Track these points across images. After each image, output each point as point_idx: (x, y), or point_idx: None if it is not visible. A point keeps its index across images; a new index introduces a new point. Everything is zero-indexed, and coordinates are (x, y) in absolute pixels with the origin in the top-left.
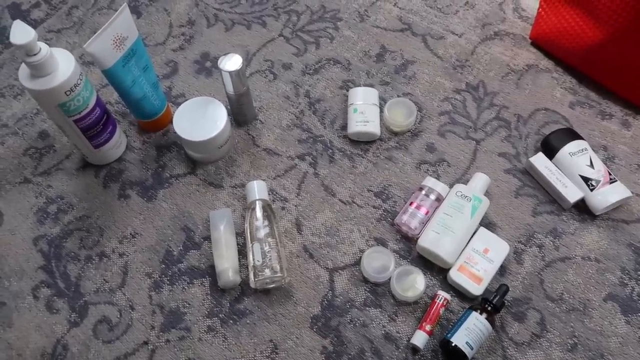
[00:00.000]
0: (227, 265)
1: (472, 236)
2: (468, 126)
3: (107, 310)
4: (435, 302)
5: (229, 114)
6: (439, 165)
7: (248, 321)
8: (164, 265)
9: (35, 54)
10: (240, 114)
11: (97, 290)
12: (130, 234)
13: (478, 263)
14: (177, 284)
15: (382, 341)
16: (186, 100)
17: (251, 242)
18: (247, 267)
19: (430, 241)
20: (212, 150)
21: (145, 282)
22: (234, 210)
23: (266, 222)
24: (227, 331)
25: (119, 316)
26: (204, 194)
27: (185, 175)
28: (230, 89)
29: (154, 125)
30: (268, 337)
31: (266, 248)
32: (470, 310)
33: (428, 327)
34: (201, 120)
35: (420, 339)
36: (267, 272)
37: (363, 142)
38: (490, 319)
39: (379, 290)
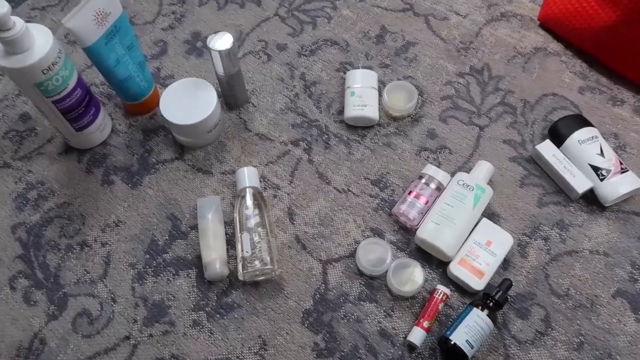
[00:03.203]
0: (214, 256)
1: (474, 228)
2: (471, 111)
3: (88, 303)
4: (434, 297)
5: (219, 97)
6: (440, 152)
7: (236, 315)
8: (148, 256)
9: (8, 29)
10: (231, 96)
11: (78, 282)
12: (114, 222)
13: (480, 256)
14: (161, 275)
15: (377, 338)
16: (175, 81)
17: (240, 232)
18: (236, 259)
19: (429, 233)
20: (201, 135)
21: (128, 273)
22: (223, 198)
23: (257, 211)
24: (213, 326)
25: (99, 309)
26: (191, 181)
27: (173, 160)
28: (220, 69)
29: (140, 108)
30: (257, 333)
31: (256, 238)
32: (471, 307)
33: (426, 324)
34: (190, 103)
35: (417, 336)
36: (257, 263)
37: (360, 128)
38: (492, 316)
39: (375, 284)
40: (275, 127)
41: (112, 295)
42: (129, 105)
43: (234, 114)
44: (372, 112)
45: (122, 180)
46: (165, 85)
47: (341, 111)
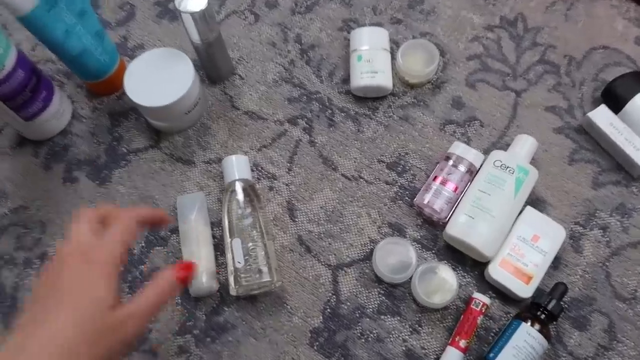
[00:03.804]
0: (200, 267)
1: (516, 219)
2: (505, 73)
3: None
4: (471, 309)
5: (198, 70)
6: (469, 125)
7: (230, 338)
8: (121, 268)
9: None
10: (213, 68)
11: None
12: None
13: (525, 255)
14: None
15: None
16: (144, 52)
17: (230, 237)
18: (226, 269)
19: (461, 228)
20: (178, 117)
21: None
22: (208, 193)
23: (249, 209)
24: (203, 352)
25: None
26: (170, 174)
27: (147, 149)
28: (195, 36)
29: (104, 87)
30: (256, 359)
31: (250, 245)
32: (519, 321)
33: (463, 343)
34: (161, 79)
35: (452, 358)
36: (252, 276)
37: (371, 99)
38: (544, 331)
39: (397, 293)
40: (267, 103)
41: None
42: (91, 85)
43: (217, 89)
44: (384, 79)
45: (88, 177)
46: (134, 58)
47: (346, 80)
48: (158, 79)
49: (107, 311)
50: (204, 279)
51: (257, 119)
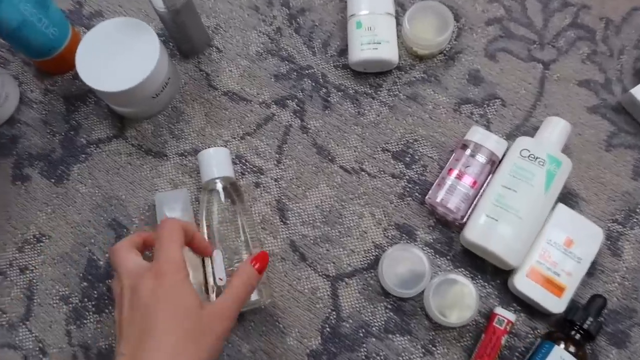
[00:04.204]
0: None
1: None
2: (530, 40)
3: (7, 358)
4: (494, 328)
5: (166, 42)
6: (488, 105)
7: None
8: (86, 283)
9: None
10: (184, 39)
11: None
12: (34, 237)
13: (558, 263)
14: (107, 311)
15: None
16: (100, 23)
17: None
18: (206, 283)
19: (481, 232)
20: (145, 102)
21: (60, 311)
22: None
23: (232, 213)
24: None
25: None
26: (139, 169)
27: (110, 140)
28: (159, 3)
29: (56, 65)
30: None
31: (233, 257)
32: (550, 343)
33: None
34: (121, 56)
35: None
36: None
37: (373, 75)
38: (580, 354)
39: (407, 308)
40: (251, 81)
41: (40, 345)
42: (40, 63)
43: (190, 64)
44: (388, 51)
45: (42, 174)
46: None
47: (344, 51)
48: (117, 56)
49: (199, 311)
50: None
51: (238, 100)
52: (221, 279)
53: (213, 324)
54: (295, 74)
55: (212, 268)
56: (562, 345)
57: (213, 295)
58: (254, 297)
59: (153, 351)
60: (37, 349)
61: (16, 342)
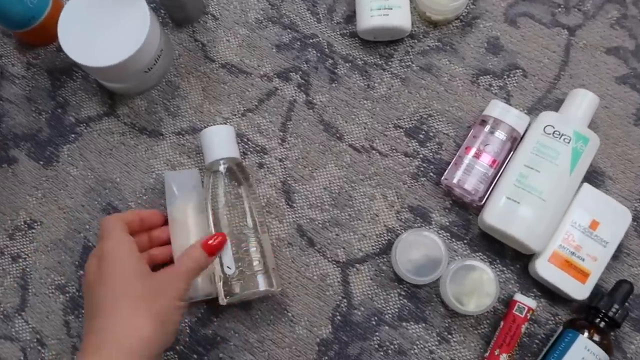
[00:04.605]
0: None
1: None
2: (555, 3)
3: (4, 350)
4: (514, 315)
5: (157, 10)
6: (509, 76)
7: (221, 354)
8: (82, 272)
9: None
10: (176, 7)
11: None
12: (25, 223)
13: (582, 247)
14: None
15: None
16: None
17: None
18: (213, 274)
19: (501, 216)
20: (136, 77)
21: (57, 301)
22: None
23: (238, 196)
24: None
25: (22, 358)
26: (133, 149)
27: (101, 117)
28: None
29: (37, 36)
30: None
31: (242, 244)
32: (574, 332)
33: (504, 358)
34: (106, 26)
35: None
36: (246, 284)
37: (383, 44)
38: (605, 342)
39: (422, 294)
40: (250, 52)
41: (38, 336)
42: (20, 35)
43: (184, 34)
44: (400, 17)
45: (29, 156)
46: None
47: (351, 18)
48: (103, 26)
49: (145, 278)
50: (201, 283)
51: (238, 73)
52: (229, 268)
53: (162, 287)
54: (298, 43)
55: (220, 256)
56: (586, 334)
57: (220, 284)
58: (262, 287)
59: (101, 318)
60: (35, 340)
61: (12, 333)
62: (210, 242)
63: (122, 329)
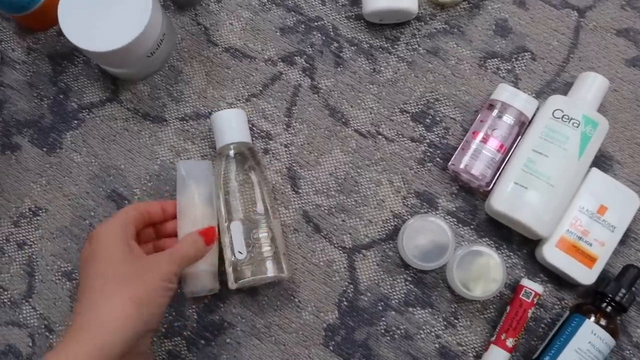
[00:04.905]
0: (203, 264)
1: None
2: None
3: (13, 336)
4: (520, 300)
5: None
6: (517, 59)
7: (228, 340)
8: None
9: None
10: None
11: None
12: (30, 210)
13: (590, 232)
14: None
15: None
16: None
17: (227, 220)
18: (223, 257)
19: (509, 201)
20: (139, 61)
21: (63, 287)
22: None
23: (249, 181)
24: (197, 357)
25: (31, 344)
26: (137, 135)
27: (104, 103)
28: None
29: (37, 20)
30: None
31: (252, 230)
32: (581, 317)
33: (510, 342)
34: (108, 9)
35: (496, 359)
36: (257, 269)
37: (389, 27)
38: (611, 326)
39: (428, 280)
40: (254, 36)
41: (46, 322)
42: (20, 19)
43: (187, 17)
44: None
45: (32, 142)
46: None
47: (357, 0)
48: (105, 9)
49: (132, 258)
50: (204, 278)
51: (241, 57)
52: (240, 253)
53: (150, 267)
54: (303, 26)
55: (231, 241)
56: (593, 319)
57: (230, 269)
58: (273, 272)
59: (88, 298)
60: (43, 326)
61: (20, 319)
62: (207, 232)
63: (104, 310)
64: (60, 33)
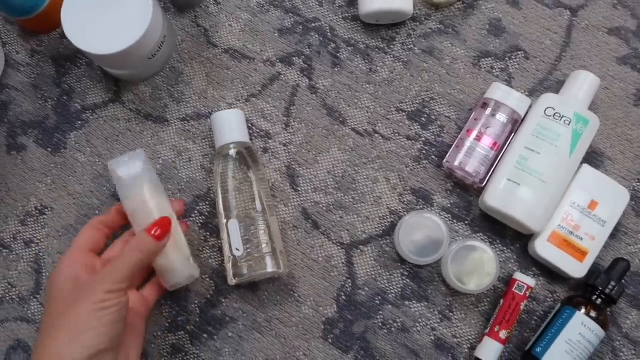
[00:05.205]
0: (173, 256)
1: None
2: None
3: (21, 331)
4: (513, 294)
5: None
6: (510, 58)
7: (230, 334)
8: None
9: None
10: None
11: (1, 301)
12: (36, 209)
13: (580, 226)
14: None
15: (432, 352)
16: None
17: (226, 217)
18: (221, 253)
19: (502, 198)
20: (140, 63)
21: None
22: (189, 160)
23: (247, 179)
24: (201, 351)
25: None
26: (139, 135)
27: (107, 104)
28: None
29: (41, 23)
30: (262, 356)
31: (250, 227)
32: (572, 309)
33: (503, 334)
34: (110, 12)
35: (490, 351)
36: (254, 265)
37: (385, 27)
38: (601, 318)
39: (424, 274)
40: (253, 37)
41: None
42: (23, 22)
43: (187, 19)
44: (402, 0)
45: (37, 143)
46: None
47: (353, 1)
48: (107, 12)
49: (81, 276)
50: (178, 267)
51: (241, 58)
52: (238, 250)
53: (82, 295)
54: (300, 27)
55: (229, 239)
56: (583, 311)
57: (229, 265)
58: (270, 268)
59: (44, 317)
60: None
61: (29, 315)
62: (154, 230)
63: (41, 349)
64: (63, 36)
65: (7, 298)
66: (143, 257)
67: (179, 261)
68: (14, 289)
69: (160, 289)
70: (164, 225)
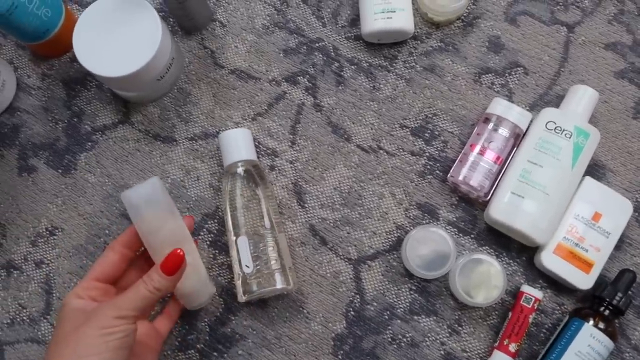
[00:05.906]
0: (193, 281)
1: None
2: (553, 1)
3: (32, 353)
4: (521, 306)
5: (167, 18)
6: (510, 74)
7: (240, 351)
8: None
9: None
10: (186, 16)
11: (12, 323)
12: (47, 230)
13: (586, 239)
14: None
15: None
16: (95, 1)
17: (235, 235)
18: (231, 269)
19: (507, 210)
20: (149, 85)
21: None
22: (197, 178)
23: (255, 197)
24: None
25: None
26: (148, 155)
27: (116, 125)
28: None
29: (51, 48)
30: None
31: (259, 245)
32: (580, 321)
33: (512, 347)
34: (120, 36)
35: None
36: (264, 282)
37: (387, 46)
38: (609, 329)
39: (431, 288)
40: (258, 58)
41: None
42: (34, 47)
43: (194, 41)
44: (404, 20)
45: (48, 164)
46: (86, 6)
47: (355, 21)
48: (117, 36)
49: (80, 311)
50: (198, 288)
51: (247, 79)
52: (247, 266)
53: (105, 308)
54: (304, 47)
55: (239, 256)
56: (591, 322)
57: (239, 282)
58: (280, 285)
59: (51, 339)
60: None
61: (39, 336)
62: (166, 263)
63: None
64: (73, 59)
65: (18, 319)
66: (154, 296)
67: (198, 283)
68: (25, 310)
69: (172, 320)
70: (175, 262)
